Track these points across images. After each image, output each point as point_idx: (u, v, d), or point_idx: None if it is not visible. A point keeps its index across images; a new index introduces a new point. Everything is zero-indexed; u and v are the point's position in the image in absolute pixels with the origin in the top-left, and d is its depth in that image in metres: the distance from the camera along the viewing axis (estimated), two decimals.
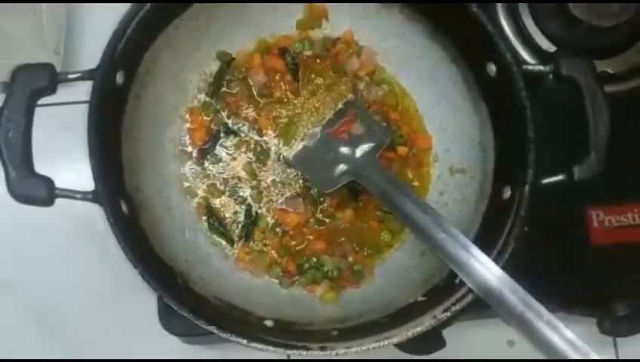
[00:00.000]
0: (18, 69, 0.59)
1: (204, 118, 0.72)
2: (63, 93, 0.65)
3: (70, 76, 0.60)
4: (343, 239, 0.70)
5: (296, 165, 0.71)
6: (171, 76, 0.70)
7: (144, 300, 0.73)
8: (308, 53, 0.73)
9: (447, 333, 0.68)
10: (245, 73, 0.73)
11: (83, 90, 0.61)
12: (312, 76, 0.73)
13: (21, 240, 0.79)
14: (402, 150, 0.72)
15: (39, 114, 0.59)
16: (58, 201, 0.59)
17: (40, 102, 0.60)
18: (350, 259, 0.70)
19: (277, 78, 0.73)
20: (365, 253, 0.71)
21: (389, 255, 0.71)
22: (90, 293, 0.78)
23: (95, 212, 0.60)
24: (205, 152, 0.71)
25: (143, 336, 0.76)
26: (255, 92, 0.73)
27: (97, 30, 0.63)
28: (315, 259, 0.69)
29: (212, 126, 0.72)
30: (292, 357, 0.76)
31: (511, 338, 0.79)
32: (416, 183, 0.72)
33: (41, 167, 0.59)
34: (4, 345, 0.77)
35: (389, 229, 0.71)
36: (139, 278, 0.58)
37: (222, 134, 0.72)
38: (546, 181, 0.60)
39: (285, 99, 0.73)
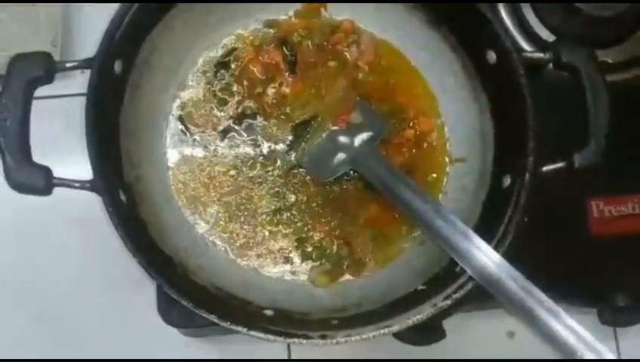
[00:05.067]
0: (15, 57, 0.59)
1: (202, 109, 0.72)
2: (61, 85, 0.66)
3: (68, 65, 0.60)
4: (352, 228, 0.70)
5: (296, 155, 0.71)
6: (169, 67, 0.70)
7: (144, 296, 0.73)
8: (306, 43, 0.73)
9: (447, 324, 0.68)
10: (243, 64, 0.73)
11: (81, 83, 0.61)
12: (311, 67, 0.73)
13: (20, 238, 0.79)
14: (409, 133, 0.71)
15: (37, 106, 0.59)
16: (57, 196, 0.59)
17: (38, 94, 0.60)
18: (354, 247, 0.69)
19: (275, 69, 0.73)
20: (375, 245, 0.70)
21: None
22: (89, 290, 0.78)
23: (95, 209, 0.60)
24: (203, 143, 0.71)
25: (142, 333, 0.76)
26: (254, 83, 0.72)
27: (94, 23, 0.62)
28: (317, 239, 0.69)
29: (210, 118, 0.72)
30: (292, 347, 0.77)
31: (511, 329, 0.79)
32: (434, 175, 0.71)
33: (39, 159, 0.58)
34: (4, 344, 0.77)
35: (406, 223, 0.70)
36: (138, 273, 0.58)
37: (220, 126, 0.72)
38: (546, 168, 0.60)
39: (283, 90, 0.72)
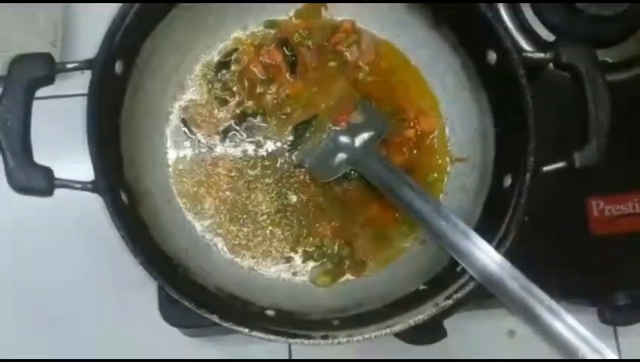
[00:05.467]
0: (16, 58, 0.58)
1: (203, 110, 0.72)
2: (62, 85, 0.66)
3: (68, 66, 0.60)
4: (353, 228, 0.70)
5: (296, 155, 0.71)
6: (170, 67, 0.70)
7: (144, 296, 0.73)
8: (307, 43, 0.73)
9: (447, 323, 0.68)
10: (244, 65, 0.73)
11: (81, 83, 0.61)
12: (311, 67, 0.73)
13: (20, 238, 0.79)
14: (409, 133, 0.71)
15: (38, 107, 0.59)
16: (58, 197, 0.59)
17: (39, 94, 0.59)
18: (355, 247, 0.69)
19: (275, 69, 0.73)
20: (376, 245, 0.70)
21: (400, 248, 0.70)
22: (89, 290, 0.78)
23: (96, 209, 0.60)
24: (204, 144, 0.71)
25: (142, 333, 0.76)
26: (254, 84, 0.72)
27: (94, 23, 0.62)
28: (318, 239, 0.69)
29: (211, 118, 0.72)
30: (293, 347, 0.77)
31: (511, 328, 0.79)
32: (434, 175, 0.71)
33: (40, 160, 0.58)
34: (4, 344, 0.77)
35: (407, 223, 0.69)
36: (138, 274, 0.58)
37: (221, 126, 0.71)
38: (546, 168, 0.60)
39: (284, 91, 0.72)
